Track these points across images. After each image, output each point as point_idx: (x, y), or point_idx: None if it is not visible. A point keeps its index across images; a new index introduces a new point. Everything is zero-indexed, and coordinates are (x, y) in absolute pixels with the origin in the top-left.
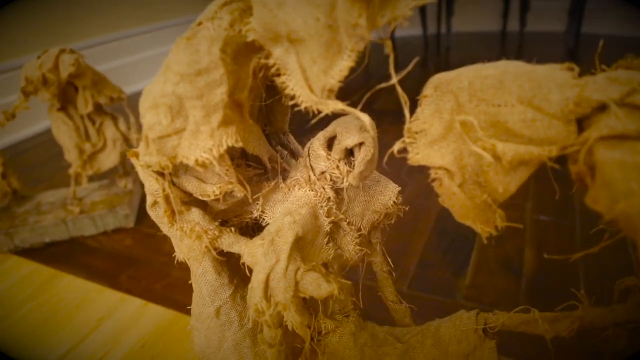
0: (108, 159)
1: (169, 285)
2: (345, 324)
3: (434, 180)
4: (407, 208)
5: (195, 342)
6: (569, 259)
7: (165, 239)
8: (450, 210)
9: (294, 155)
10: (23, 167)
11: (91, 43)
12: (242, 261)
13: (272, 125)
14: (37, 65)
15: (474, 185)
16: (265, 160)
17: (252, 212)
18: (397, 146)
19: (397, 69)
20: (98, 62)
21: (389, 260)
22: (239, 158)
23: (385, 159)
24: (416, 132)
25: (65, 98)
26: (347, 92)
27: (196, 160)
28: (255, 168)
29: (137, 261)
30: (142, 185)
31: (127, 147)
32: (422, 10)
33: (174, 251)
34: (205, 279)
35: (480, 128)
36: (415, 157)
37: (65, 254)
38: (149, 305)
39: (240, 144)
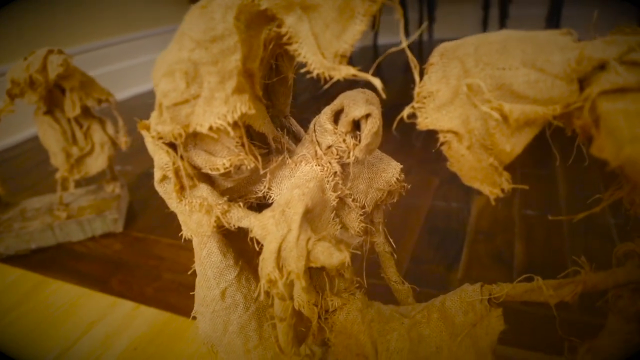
0: (96, 163)
1: (160, 288)
2: (352, 301)
3: (443, 143)
4: (409, 186)
5: (200, 327)
6: (557, 250)
7: (156, 242)
8: (459, 174)
9: (296, 137)
10: (5, 176)
11: (77, 50)
12: (251, 235)
13: (274, 108)
14: (24, 66)
15: (481, 149)
16: (270, 139)
17: (257, 192)
18: (406, 111)
19: (381, 74)
20: (84, 69)
21: (391, 241)
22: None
23: (395, 125)
24: (424, 97)
25: (52, 101)
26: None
27: (210, 127)
28: (260, 147)
29: (127, 265)
30: (130, 190)
31: (115, 151)
32: (405, 17)
33: (165, 254)
34: (210, 260)
35: (487, 91)
36: (425, 121)
37: (52, 260)
38: (141, 308)
39: (252, 112)
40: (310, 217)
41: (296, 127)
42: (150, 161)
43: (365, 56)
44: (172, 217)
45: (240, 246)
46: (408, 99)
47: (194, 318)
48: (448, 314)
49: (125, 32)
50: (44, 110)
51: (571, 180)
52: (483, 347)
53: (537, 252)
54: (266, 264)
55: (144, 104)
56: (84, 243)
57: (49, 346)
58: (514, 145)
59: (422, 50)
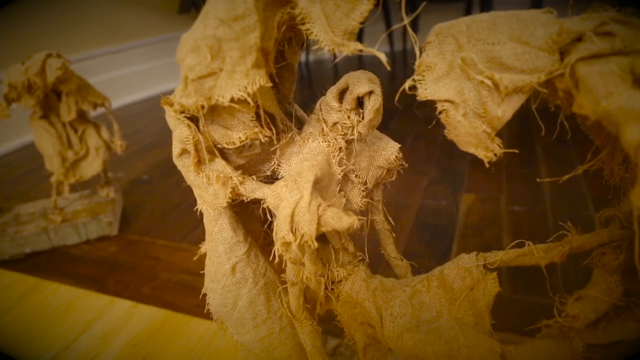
0: (91, 167)
1: (157, 287)
2: (356, 272)
3: (440, 112)
4: (406, 165)
5: (210, 303)
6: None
7: (151, 244)
8: (455, 141)
9: (300, 122)
10: None
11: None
12: (264, 206)
13: (279, 93)
14: (22, 70)
15: (475, 117)
16: (278, 121)
17: (265, 171)
18: (407, 83)
19: None
20: None
21: (390, 219)
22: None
23: (397, 97)
24: (423, 71)
25: (48, 106)
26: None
27: (232, 98)
28: (269, 129)
29: (123, 266)
30: (123, 194)
31: (110, 155)
32: (389, 27)
33: (160, 255)
34: (221, 236)
35: (479, 63)
36: (424, 92)
37: (47, 264)
38: (139, 306)
39: (270, 84)
40: (318, 187)
41: (300, 112)
42: (141, 168)
43: (350, 64)
44: (166, 220)
45: (247, 227)
46: (394, 105)
47: (204, 295)
48: (447, 281)
49: (115, 42)
50: (39, 115)
51: (554, 177)
52: (480, 308)
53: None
54: (281, 228)
55: (134, 113)
56: (79, 246)
57: (47, 345)
58: (504, 111)
59: (407, 59)
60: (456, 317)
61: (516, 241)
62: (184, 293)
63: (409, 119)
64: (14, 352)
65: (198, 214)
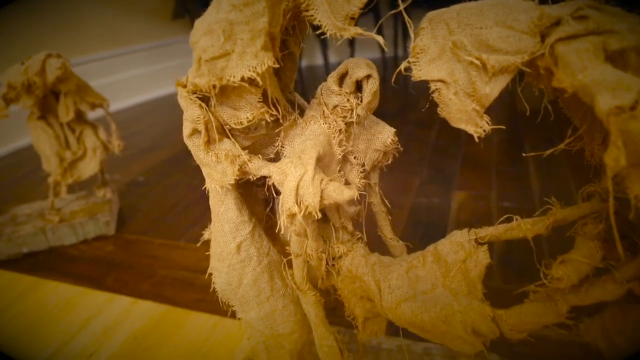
0: (88, 167)
1: (156, 284)
2: (355, 249)
3: (434, 91)
4: (402, 148)
5: (216, 282)
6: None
7: (149, 243)
8: (447, 118)
9: (302, 110)
10: None
11: None
12: (269, 182)
13: (281, 81)
14: (22, 70)
15: (465, 96)
16: (281, 106)
17: (268, 154)
18: (403, 65)
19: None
20: None
21: (386, 201)
22: None
23: (393, 79)
24: (418, 53)
25: (46, 107)
26: None
27: (242, 77)
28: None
29: (121, 265)
30: (120, 196)
31: (107, 155)
32: (380, 34)
33: (158, 253)
34: (227, 216)
35: (468, 45)
36: (419, 73)
37: (45, 263)
38: (138, 302)
39: (277, 65)
40: (320, 165)
41: (300, 100)
42: (137, 171)
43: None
44: (163, 219)
45: (250, 209)
46: (386, 108)
47: (210, 275)
48: (441, 256)
49: (110, 48)
50: (37, 115)
51: (542, 176)
52: (473, 278)
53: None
54: (286, 200)
55: (129, 118)
56: (77, 246)
57: (46, 341)
58: (491, 89)
59: (398, 64)
60: (450, 288)
61: (505, 216)
62: (182, 289)
63: (401, 121)
64: (14, 350)
65: (207, 192)
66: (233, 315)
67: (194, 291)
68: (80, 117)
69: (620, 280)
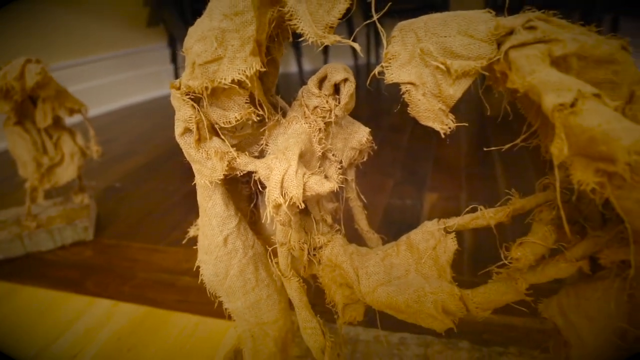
0: (66, 173)
1: (137, 286)
2: (335, 239)
3: (404, 92)
4: (376, 147)
5: (204, 274)
6: (500, 234)
7: (128, 247)
8: (416, 117)
9: (283, 111)
10: None
11: None
12: (255, 177)
13: (264, 85)
14: (0, 75)
15: (432, 97)
16: (266, 107)
17: (254, 152)
18: (377, 69)
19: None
20: None
21: (362, 196)
22: None
23: (368, 81)
24: (389, 59)
25: (22, 112)
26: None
27: (232, 80)
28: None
29: (101, 269)
30: (97, 202)
31: (85, 161)
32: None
33: (138, 257)
34: (215, 210)
35: (434, 52)
36: (391, 76)
37: (22, 269)
38: (119, 304)
39: (264, 69)
40: (302, 161)
41: (282, 103)
42: (113, 177)
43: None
44: (142, 224)
45: (236, 205)
46: (360, 113)
47: (198, 267)
48: (413, 244)
49: (83, 55)
50: (14, 121)
51: (509, 176)
52: (442, 263)
53: (483, 236)
54: (272, 192)
55: (103, 124)
56: (54, 252)
57: (26, 346)
58: (455, 90)
59: (370, 70)
60: (422, 273)
61: (471, 206)
62: (163, 290)
63: (375, 126)
64: None
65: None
66: (214, 314)
67: (175, 292)
68: (57, 122)
69: (570, 260)
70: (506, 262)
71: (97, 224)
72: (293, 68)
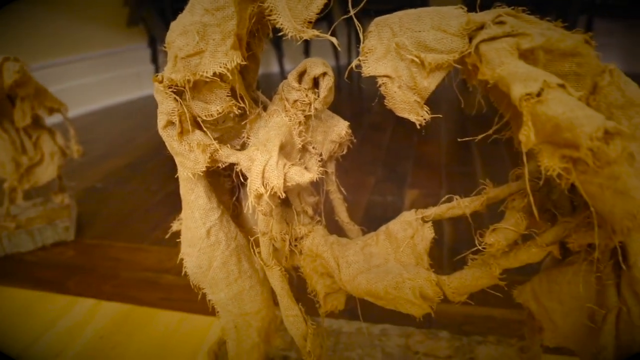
0: (45, 173)
1: (120, 285)
2: (315, 230)
3: (380, 85)
4: (357, 144)
5: (187, 266)
6: (478, 228)
7: (110, 247)
8: (393, 109)
9: (264, 105)
10: None
11: None
12: (238, 169)
13: (245, 80)
14: None
15: (407, 90)
16: (247, 101)
17: (236, 146)
18: (354, 63)
19: None
20: None
21: (342, 189)
22: None
23: (346, 74)
24: (366, 53)
25: (1, 111)
26: None
27: (214, 73)
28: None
29: (83, 269)
30: (77, 202)
31: (65, 161)
32: (333, 43)
33: (121, 256)
34: (197, 203)
35: (409, 46)
36: (367, 69)
37: (1, 271)
38: (102, 303)
39: (245, 63)
40: (283, 153)
41: (263, 97)
42: (94, 178)
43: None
44: (124, 224)
45: (218, 198)
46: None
47: (182, 260)
48: (392, 234)
49: (62, 55)
50: None
51: (488, 174)
52: (420, 251)
53: (461, 230)
54: (254, 182)
55: (82, 125)
56: (35, 253)
57: (7, 347)
58: (429, 83)
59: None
60: (400, 261)
61: (447, 196)
62: (146, 289)
63: (356, 125)
64: None
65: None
66: (198, 311)
67: (158, 290)
68: (37, 122)
69: (541, 245)
70: (480, 247)
71: (78, 224)
72: (275, 68)
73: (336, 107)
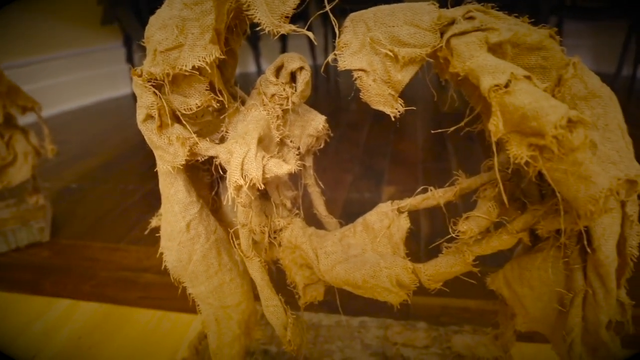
0: (19, 173)
1: (97, 285)
2: (294, 222)
3: (356, 79)
4: (332, 134)
5: (167, 260)
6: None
7: (87, 247)
8: (368, 101)
9: (243, 101)
10: None
11: None
12: (216, 162)
13: (223, 76)
14: None
15: (382, 83)
16: (225, 95)
17: (215, 140)
18: (331, 57)
19: None
20: None
21: (320, 182)
22: None
23: (322, 68)
24: (342, 47)
25: None
26: None
27: (193, 66)
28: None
29: (59, 269)
30: (52, 203)
31: (39, 161)
32: (310, 43)
33: (98, 256)
34: (177, 197)
35: (383, 40)
36: (343, 63)
37: None
38: (80, 303)
39: (223, 57)
40: (261, 146)
41: (241, 93)
42: (68, 178)
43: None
44: (101, 224)
45: (198, 193)
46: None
47: (162, 254)
48: (369, 225)
49: (36, 53)
50: None
51: (463, 170)
52: (396, 241)
53: (438, 224)
54: (233, 174)
55: (55, 125)
56: (8, 254)
57: None
58: (403, 76)
59: (329, 72)
60: (377, 251)
61: (421, 187)
62: (125, 288)
63: (334, 124)
64: None
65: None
66: (178, 309)
67: (137, 289)
68: (9, 121)
69: (512, 232)
70: (454, 235)
71: (53, 224)
72: (252, 68)
73: (314, 106)
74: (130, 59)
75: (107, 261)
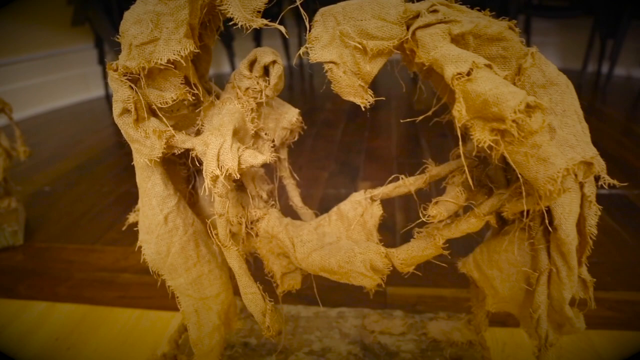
0: None
1: (74, 287)
2: (270, 212)
3: (327, 70)
4: (305, 127)
5: (146, 254)
6: (427, 205)
7: (62, 249)
8: (339, 93)
9: (217, 95)
10: None
11: None
12: (193, 154)
13: (198, 71)
14: None
15: (352, 75)
16: (200, 89)
17: (191, 134)
18: (302, 50)
19: None
20: None
21: (295, 175)
22: None
23: (295, 61)
24: (312, 41)
25: None
26: None
27: (168, 60)
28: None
29: (34, 272)
30: (25, 205)
31: (11, 163)
32: (285, 42)
33: (73, 258)
34: (154, 190)
35: (352, 34)
36: (314, 56)
37: None
38: (56, 305)
39: (198, 50)
40: (237, 138)
41: (216, 88)
42: (41, 181)
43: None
44: (76, 226)
45: (175, 187)
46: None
47: (140, 248)
48: (343, 213)
49: (4, 56)
50: None
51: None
52: (370, 227)
53: (413, 218)
54: (209, 165)
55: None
56: None
57: None
58: (372, 68)
59: (303, 72)
60: (352, 238)
61: (393, 176)
62: (102, 288)
63: (309, 122)
64: None
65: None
66: (156, 307)
67: (115, 289)
68: None
69: (479, 215)
70: (424, 219)
71: (27, 228)
72: (226, 68)
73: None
74: (102, 61)
75: (83, 263)
